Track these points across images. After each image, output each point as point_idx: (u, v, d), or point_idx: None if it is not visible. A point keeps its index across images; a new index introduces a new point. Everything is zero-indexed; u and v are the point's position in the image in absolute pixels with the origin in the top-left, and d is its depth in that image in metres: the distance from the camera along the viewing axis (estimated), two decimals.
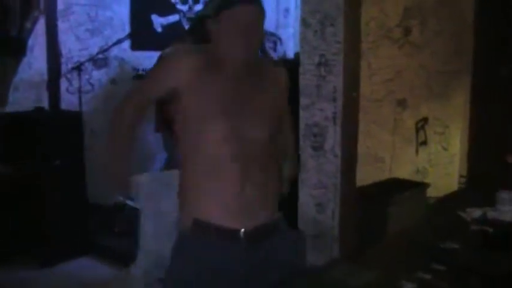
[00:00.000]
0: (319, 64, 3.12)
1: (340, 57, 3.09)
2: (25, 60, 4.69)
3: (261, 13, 2.05)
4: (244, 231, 1.97)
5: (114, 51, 5.03)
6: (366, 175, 3.45)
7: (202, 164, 1.98)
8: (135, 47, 5.17)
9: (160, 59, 2.37)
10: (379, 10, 3.60)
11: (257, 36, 2.04)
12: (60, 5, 4.87)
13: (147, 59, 5.03)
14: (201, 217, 1.97)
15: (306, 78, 3.16)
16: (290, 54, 4.90)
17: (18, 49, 4.61)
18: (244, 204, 1.96)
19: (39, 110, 4.45)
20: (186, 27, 5.20)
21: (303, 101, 3.17)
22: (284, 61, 4.37)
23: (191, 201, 2.01)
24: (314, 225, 3.14)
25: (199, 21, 4.32)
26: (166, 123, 3.99)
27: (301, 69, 3.18)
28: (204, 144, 1.97)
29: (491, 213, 2.45)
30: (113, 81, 5.18)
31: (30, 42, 4.67)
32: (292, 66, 3.34)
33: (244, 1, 1.99)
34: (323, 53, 3.12)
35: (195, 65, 1.96)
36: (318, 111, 3.13)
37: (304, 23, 3.16)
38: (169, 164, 4.82)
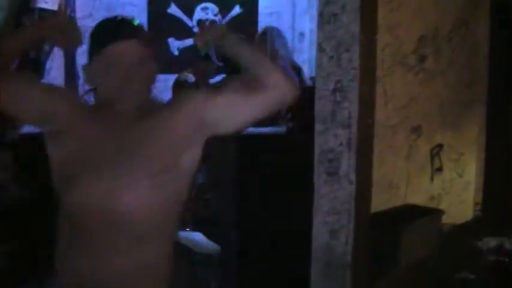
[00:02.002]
0: (335, 90, 3.12)
1: (356, 83, 3.09)
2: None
3: (141, 50, 1.74)
4: None
5: None
6: (380, 201, 3.43)
7: (64, 233, 1.67)
8: None
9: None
10: (394, 37, 3.60)
11: (138, 79, 1.74)
12: None
13: (163, 81, 5.05)
14: None
15: (321, 104, 3.16)
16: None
17: (36, 71, 4.66)
18: None
19: None
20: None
21: (318, 126, 3.18)
22: (303, 87, 4.39)
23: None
24: (327, 251, 3.13)
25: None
26: None
27: (316, 95, 3.19)
28: (65, 209, 1.66)
29: (508, 243, 2.42)
30: None
31: (48, 64, 4.72)
32: (310, 91, 3.35)
33: (116, 39, 1.68)
34: (339, 79, 3.12)
35: (74, 106, 1.73)
36: (333, 137, 3.12)
37: (320, 48, 3.17)
38: None
